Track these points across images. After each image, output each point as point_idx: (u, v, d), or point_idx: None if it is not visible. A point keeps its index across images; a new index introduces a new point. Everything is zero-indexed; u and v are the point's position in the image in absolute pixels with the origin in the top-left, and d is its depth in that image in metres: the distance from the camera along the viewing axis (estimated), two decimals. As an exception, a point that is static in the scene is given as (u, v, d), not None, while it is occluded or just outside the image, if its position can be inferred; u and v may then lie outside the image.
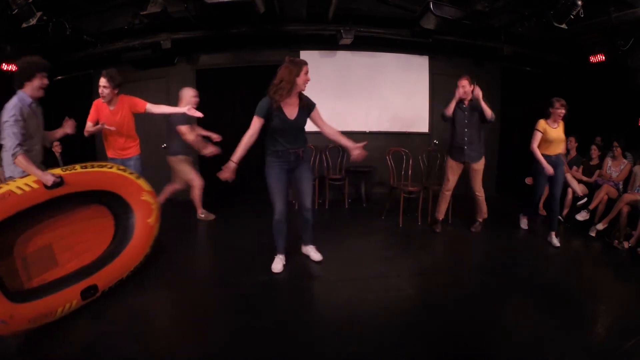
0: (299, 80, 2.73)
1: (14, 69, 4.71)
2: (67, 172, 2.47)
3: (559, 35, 4.42)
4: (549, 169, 3.65)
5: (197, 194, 4.37)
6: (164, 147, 5.72)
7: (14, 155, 2.33)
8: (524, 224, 4.29)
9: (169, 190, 4.36)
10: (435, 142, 5.90)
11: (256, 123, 2.79)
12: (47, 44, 4.43)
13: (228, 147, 6.05)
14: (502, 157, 6.11)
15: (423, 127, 5.94)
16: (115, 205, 2.84)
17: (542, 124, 3.72)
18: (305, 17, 4.72)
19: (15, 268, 2.35)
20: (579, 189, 4.52)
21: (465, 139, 3.81)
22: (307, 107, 2.87)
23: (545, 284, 2.90)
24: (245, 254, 3.36)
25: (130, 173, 2.89)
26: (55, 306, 2.27)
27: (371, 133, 5.65)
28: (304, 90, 2.81)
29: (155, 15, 4.09)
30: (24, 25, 3.84)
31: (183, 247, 3.64)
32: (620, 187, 4.32)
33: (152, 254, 2.97)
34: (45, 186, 2.30)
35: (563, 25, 3.94)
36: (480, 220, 4.09)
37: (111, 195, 2.78)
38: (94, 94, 5.80)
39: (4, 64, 4.65)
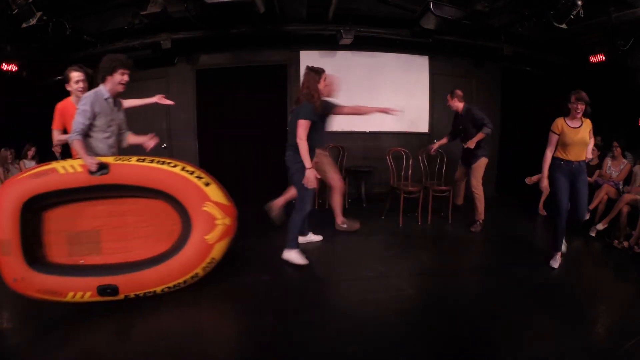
0: (320, 86, 3.00)
1: (14, 69, 4.77)
2: (119, 162, 2.42)
3: (559, 35, 4.42)
4: (543, 182, 3.19)
5: (337, 198, 3.81)
6: (164, 147, 5.74)
7: (71, 141, 2.48)
8: (555, 261, 3.16)
9: (292, 192, 3.81)
10: (435, 142, 5.90)
11: (308, 127, 2.94)
12: (47, 44, 4.44)
13: (228, 146, 6.08)
14: (502, 158, 6.11)
15: (423, 127, 5.94)
16: (180, 211, 2.55)
17: (558, 123, 3.12)
18: (305, 17, 4.72)
19: (58, 240, 2.48)
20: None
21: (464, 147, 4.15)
22: (326, 110, 3.18)
23: (545, 283, 2.89)
24: (249, 254, 3.35)
25: (199, 177, 2.52)
26: (68, 289, 2.33)
27: (371, 133, 5.64)
28: (327, 96, 3.12)
29: (155, 15, 4.10)
30: (24, 25, 3.84)
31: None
32: (621, 187, 4.32)
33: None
34: (90, 171, 2.33)
35: (563, 25, 3.94)
36: (480, 220, 4.09)
37: (172, 199, 2.51)
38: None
39: (4, 64, 4.65)
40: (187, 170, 2.52)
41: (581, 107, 3.01)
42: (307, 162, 2.89)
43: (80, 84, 2.93)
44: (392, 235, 4.03)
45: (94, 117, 2.55)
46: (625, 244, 3.63)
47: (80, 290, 2.35)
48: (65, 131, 2.94)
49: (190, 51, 5.51)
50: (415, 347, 2.09)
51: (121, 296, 2.41)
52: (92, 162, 2.35)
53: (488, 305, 2.58)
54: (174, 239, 2.58)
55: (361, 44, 5.24)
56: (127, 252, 2.55)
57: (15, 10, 3.70)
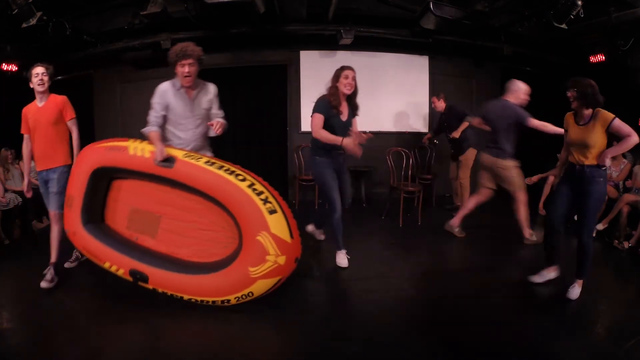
0: (339, 84, 2.90)
1: (14, 69, 4.77)
2: (187, 158, 2.41)
3: (559, 35, 4.42)
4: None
5: (523, 210, 3.59)
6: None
7: (147, 133, 2.57)
8: (548, 274, 2.86)
9: (472, 202, 3.68)
10: (435, 142, 5.90)
11: (320, 121, 2.88)
12: (47, 44, 4.43)
13: (228, 146, 6.08)
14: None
15: (423, 127, 5.95)
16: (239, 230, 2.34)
17: (566, 118, 2.72)
18: (305, 17, 4.72)
19: (122, 211, 2.71)
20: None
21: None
22: (353, 110, 3.06)
23: (545, 283, 2.89)
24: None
25: (265, 200, 2.24)
26: (106, 259, 2.53)
27: (371, 133, 5.64)
28: (347, 93, 2.93)
29: (155, 15, 4.09)
30: (24, 25, 3.84)
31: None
32: (621, 187, 4.32)
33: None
34: (155, 160, 2.40)
35: (563, 25, 3.94)
36: (458, 204, 4.47)
37: (230, 214, 2.34)
38: (94, 93, 5.85)
39: (4, 64, 4.65)
40: (255, 190, 2.26)
41: (570, 94, 2.60)
42: (337, 140, 2.81)
43: (40, 78, 2.73)
44: (392, 235, 4.03)
45: (166, 108, 2.61)
46: (626, 244, 3.63)
47: (115, 264, 2.51)
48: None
49: (190, 51, 5.50)
50: (415, 347, 2.09)
51: (150, 286, 2.43)
52: (160, 152, 2.40)
53: (488, 305, 2.58)
54: (224, 256, 2.42)
55: (361, 44, 5.24)
56: (177, 247, 2.54)
57: (15, 10, 3.70)
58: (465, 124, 4.48)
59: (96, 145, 2.71)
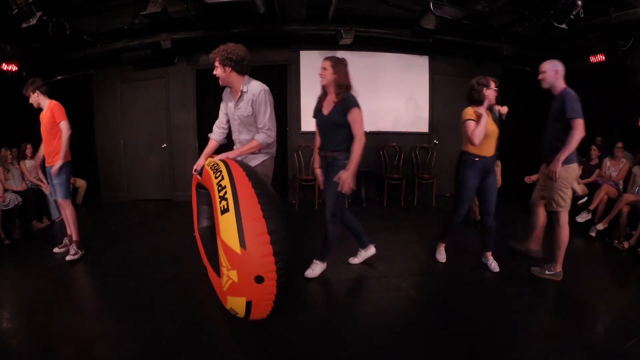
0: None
1: (14, 69, 4.77)
2: (207, 165, 2.41)
3: (559, 35, 4.42)
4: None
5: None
6: (164, 147, 5.74)
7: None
8: (441, 255, 3.32)
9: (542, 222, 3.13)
10: (435, 142, 5.91)
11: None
12: (47, 44, 4.44)
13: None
14: (503, 157, 6.09)
15: (423, 127, 5.95)
16: None
17: (472, 113, 2.93)
18: (305, 17, 4.72)
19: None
20: (579, 188, 4.52)
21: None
22: (343, 106, 2.64)
23: (545, 283, 2.89)
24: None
25: (222, 197, 1.94)
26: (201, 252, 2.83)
27: (371, 133, 5.63)
28: (322, 84, 2.67)
29: (155, 15, 4.09)
30: (24, 25, 3.84)
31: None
32: (620, 186, 4.32)
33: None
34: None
35: (563, 25, 3.93)
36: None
37: None
38: (94, 93, 5.85)
39: (4, 64, 4.65)
40: (219, 186, 1.97)
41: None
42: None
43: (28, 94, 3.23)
44: (392, 235, 4.03)
45: (224, 112, 2.69)
46: (625, 244, 3.63)
47: (203, 260, 2.71)
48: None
49: (190, 51, 5.51)
50: (415, 347, 2.09)
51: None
52: (199, 162, 2.59)
53: (488, 305, 2.58)
54: None
55: (361, 44, 5.24)
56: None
57: (15, 10, 3.70)
58: None
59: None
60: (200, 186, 2.83)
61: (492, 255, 3.15)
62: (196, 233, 3.08)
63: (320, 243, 2.91)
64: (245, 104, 2.49)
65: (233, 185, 1.93)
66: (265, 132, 2.48)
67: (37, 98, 3.24)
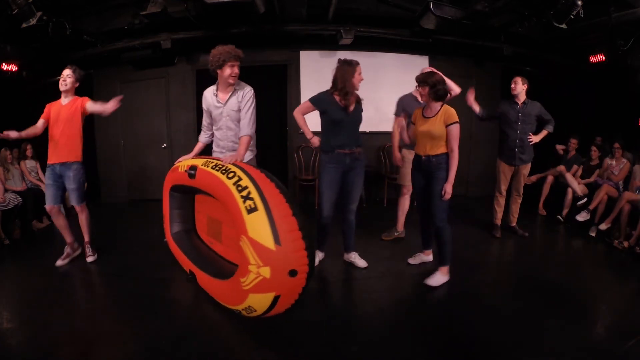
0: (355, 81, 2.88)
1: (14, 69, 4.77)
2: (202, 166, 2.40)
3: (559, 35, 4.42)
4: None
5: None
6: (164, 147, 5.74)
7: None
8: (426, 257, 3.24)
9: None
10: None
11: (307, 108, 2.95)
12: (47, 44, 4.44)
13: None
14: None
15: (423, 127, 5.94)
16: None
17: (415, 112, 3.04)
18: (305, 17, 4.72)
19: (202, 220, 2.97)
20: (579, 189, 4.52)
21: (517, 141, 3.81)
22: (357, 107, 2.99)
23: (545, 283, 2.89)
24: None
25: (245, 197, 1.97)
26: (182, 260, 2.85)
27: (371, 133, 5.64)
28: (358, 89, 2.94)
29: (155, 15, 4.09)
30: (24, 25, 3.84)
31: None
32: (620, 186, 4.32)
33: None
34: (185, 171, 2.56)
35: (563, 25, 3.93)
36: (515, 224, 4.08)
37: None
38: (94, 93, 5.83)
39: (4, 64, 4.65)
40: (239, 187, 2.01)
41: (422, 90, 2.78)
42: (308, 133, 2.93)
43: (64, 78, 3.07)
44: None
45: (208, 114, 2.74)
46: (626, 244, 3.63)
47: (185, 265, 2.79)
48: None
49: (190, 51, 5.50)
50: (415, 347, 2.09)
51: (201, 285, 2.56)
52: (184, 158, 2.67)
53: (488, 305, 2.59)
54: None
55: (361, 44, 5.24)
56: (233, 251, 2.51)
57: (15, 10, 3.70)
58: None
59: (171, 170, 2.91)
60: (176, 189, 2.89)
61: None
62: (168, 239, 3.04)
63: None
64: (235, 99, 2.71)
65: (256, 185, 2.01)
66: (249, 126, 2.68)
67: (67, 87, 3.08)
